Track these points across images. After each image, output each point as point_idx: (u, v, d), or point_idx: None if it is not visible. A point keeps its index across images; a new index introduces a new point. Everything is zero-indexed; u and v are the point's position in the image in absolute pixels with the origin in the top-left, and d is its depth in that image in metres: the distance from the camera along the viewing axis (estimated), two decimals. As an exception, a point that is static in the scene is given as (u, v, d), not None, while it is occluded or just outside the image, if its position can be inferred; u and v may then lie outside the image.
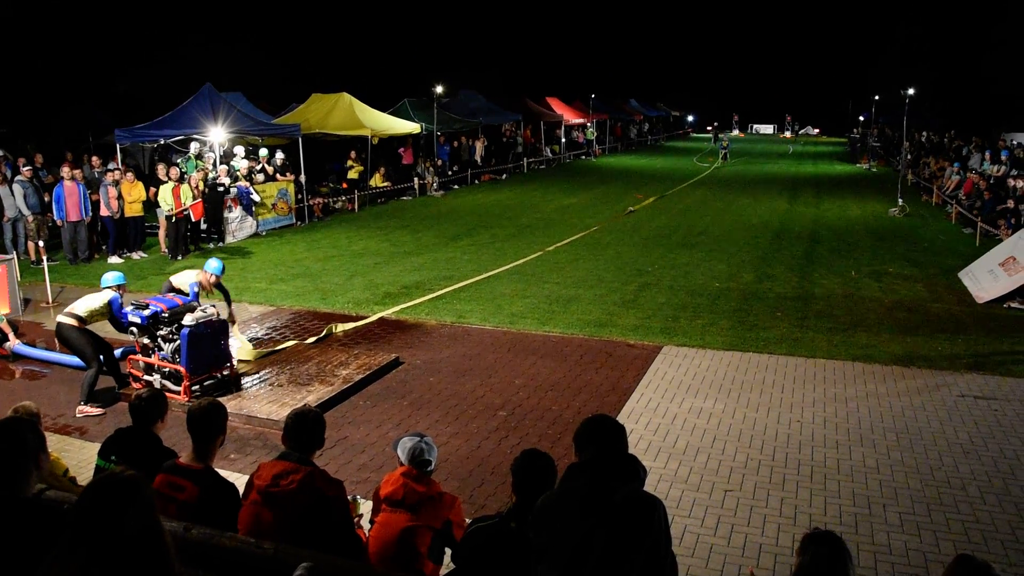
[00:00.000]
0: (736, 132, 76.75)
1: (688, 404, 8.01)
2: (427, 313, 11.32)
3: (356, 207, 22.15)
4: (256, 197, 17.64)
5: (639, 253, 15.82)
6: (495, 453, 6.91)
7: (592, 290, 12.69)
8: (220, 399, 6.30)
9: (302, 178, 19.94)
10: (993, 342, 9.98)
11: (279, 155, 19.68)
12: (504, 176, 31.79)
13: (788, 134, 75.04)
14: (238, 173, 17.74)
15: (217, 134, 17.56)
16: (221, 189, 16.72)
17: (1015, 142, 28.60)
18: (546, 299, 12.12)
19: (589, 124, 44.57)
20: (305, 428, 3.80)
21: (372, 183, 23.92)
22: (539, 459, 3.59)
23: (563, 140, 40.88)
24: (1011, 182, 19.18)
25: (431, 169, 26.55)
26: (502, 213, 21.57)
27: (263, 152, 19.54)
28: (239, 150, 19.01)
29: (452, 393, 8.29)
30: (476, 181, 29.69)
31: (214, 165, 17.80)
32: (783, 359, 9.40)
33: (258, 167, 18.88)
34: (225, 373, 8.20)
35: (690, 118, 79.29)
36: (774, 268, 14.50)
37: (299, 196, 19.74)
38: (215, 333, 8.08)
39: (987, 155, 25.04)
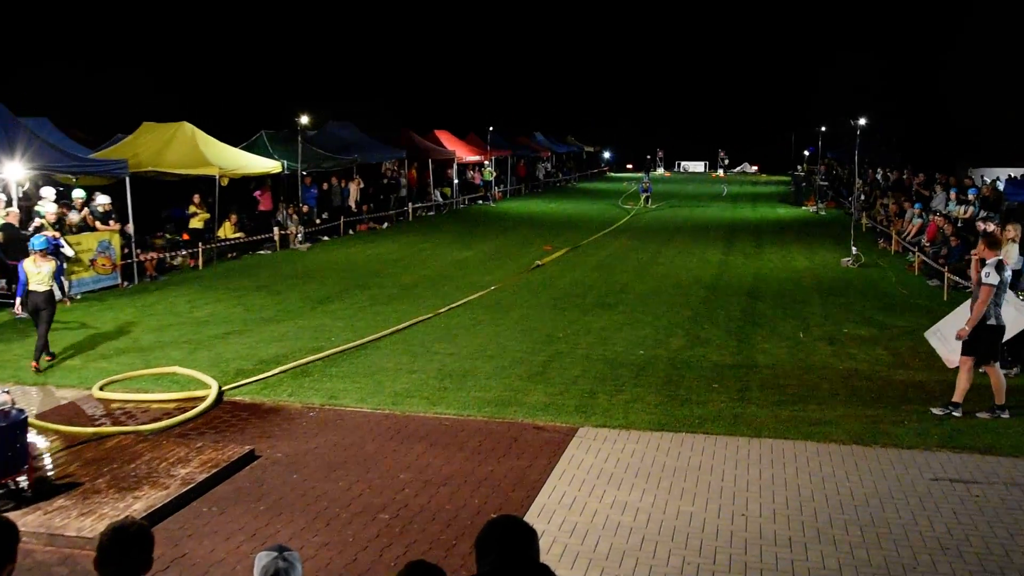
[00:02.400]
0: (661, 170, 79.76)
1: (611, 497, 8.03)
2: (290, 393, 11.12)
3: (200, 263, 21.75)
4: (69, 251, 17.05)
5: (548, 316, 16.04)
6: (375, 567, 6.75)
7: (492, 361, 12.75)
8: (9, 514, 5.95)
9: (130, 227, 19.45)
10: (968, 414, 10.33)
11: (101, 199, 19.16)
12: (385, 225, 31.87)
13: (721, 172, 78.51)
14: (43, 221, 17.14)
15: (13, 170, 16.96)
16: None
17: (985, 178, 30.55)
18: (437, 373, 12.10)
19: (487, 162, 45.46)
20: (125, 547, 3.54)
21: (221, 234, 23.57)
22: (428, 573, 3.54)
23: (456, 181, 41.49)
24: (980, 225, 19.96)
25: (294, 217, 26.37)
26: (383, 270, 21.59)
27: (77, 194, 19.00)
28: (48, 191, 18.40)
29: (321, 493, 8.11)
30: (350, 231, 29.65)
31: (7, 204, 17.17)
32: (722, 440, 9.60)
33: (75, 214, 18.32)
34: (21, 481, 7.76)
35: (607, 155, 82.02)
36: (708, 331, 14.95)
37: (126, 250, 19.25)
38: (5, 430, 7.64)
39: (952, 194, 26.58)
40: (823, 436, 9.66)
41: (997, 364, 10.43)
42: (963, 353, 10.38)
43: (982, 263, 10.37)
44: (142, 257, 19.86)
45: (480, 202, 43.44)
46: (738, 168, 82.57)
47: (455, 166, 41.49)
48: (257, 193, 26.75)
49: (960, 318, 13.20)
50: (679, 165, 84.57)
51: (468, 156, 43.53)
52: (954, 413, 10.26)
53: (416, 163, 38.43)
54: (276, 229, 25.43)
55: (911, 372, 12.31)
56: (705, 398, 11.08)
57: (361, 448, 9.28)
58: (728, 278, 20.73)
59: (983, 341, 10.23)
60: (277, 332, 14.58)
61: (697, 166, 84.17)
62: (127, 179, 19.42)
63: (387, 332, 14.48)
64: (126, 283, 18.96)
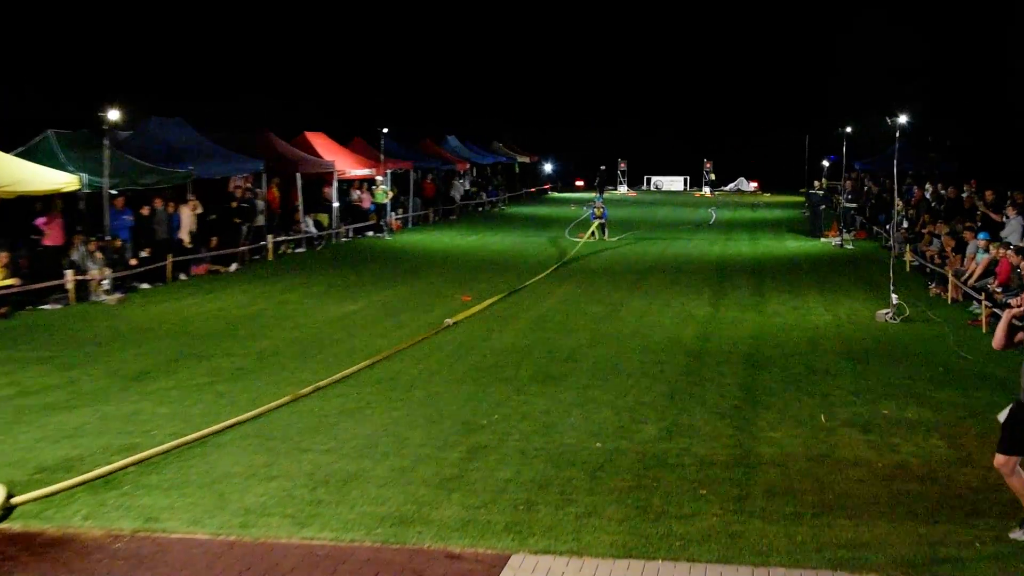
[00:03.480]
0: (623, 189, 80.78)
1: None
2: (86, 516, 10.85)
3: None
4: None
5: (467, 395, 16.01)
6: None
7: (388, 461, 12.61)
8: None
9: None
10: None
11: None
12: (233, 267, 31.68)
13: (707, 191, 79.72)
14: None
15: None
16: None
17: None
18: (308, 480, 11.95)
19: (380, 178, 45.51)
20: None
21: (-12, 281, 23.06)
22: None
23: (336, 205, 41.41)
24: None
25: (98, 255, 25.96)
26: (229, 331, 21.51)
27: None
28: None
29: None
30: (182, 275, 29.45)
31: None
32: (715, 569, 9.57)
33: None
34: None
35: (549, 167, 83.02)
36: (693, 414, 14.97)
37: None
38: None
39: (1031, 220, 26.87)
40: (858, 564, 9.65)
41: None
42: (1002, 450, 10.21)
43: None
44: None
45: (371, 234, 43.54)
46: (731, 185, 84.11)
47: (335, 183, 41.49)
48: (41, 221, 26.22)
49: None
50: (649, 182, 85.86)
51: (353, 169, 43.66)
52: None
53: (279, 179, 38.40)
54: (70, 273, 25.01)
55: (980, 471, 12.34)
56: (689, 510, 11.05)
57: (192, 592, 9.04)
58: (719, 339, 20.91)
59: None
60: (69, 424, 14.25)
61: (674, 183, 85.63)
62: None
63: (235, 421, 14.25)
64: None
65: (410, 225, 49.02)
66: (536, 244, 40.98)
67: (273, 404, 15.21)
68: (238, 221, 33.91)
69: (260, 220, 35.39)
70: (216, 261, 31.34)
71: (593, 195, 57.46)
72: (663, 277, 30.70)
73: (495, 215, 58.41)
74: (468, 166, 62.41)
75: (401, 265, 33.55)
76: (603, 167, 73.81)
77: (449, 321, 22.28)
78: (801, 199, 65.13)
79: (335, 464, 12.52)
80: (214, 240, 31.75)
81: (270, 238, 35.06)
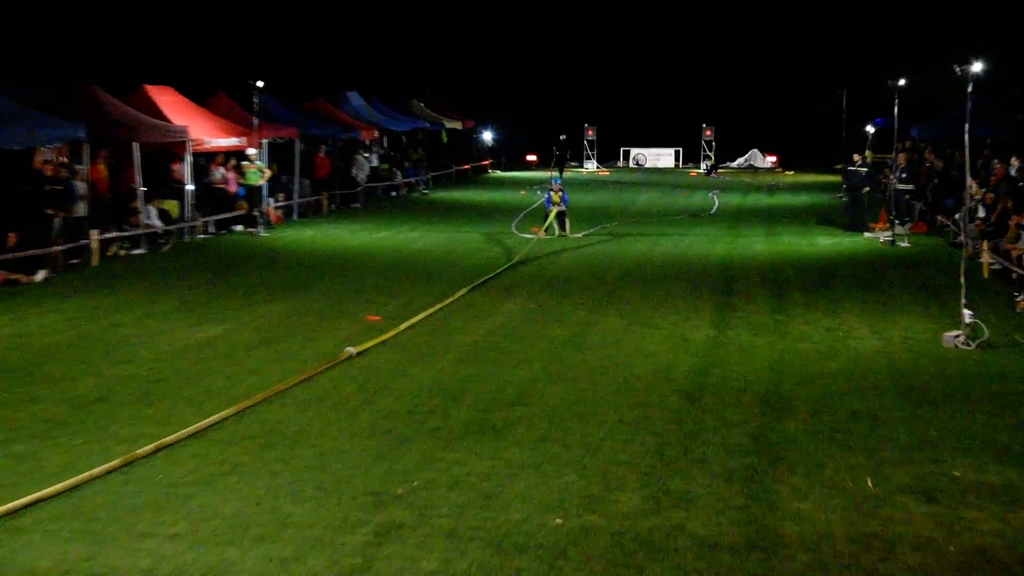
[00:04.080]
0: (591, 166, 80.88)
1: None
2: None
3: None
4: None
5: (375, 453, 15.95)
6: None
7: (261, 548, 12.55)
8: None
9: None
10: None
11: None
12: (41, 275, 31.48)
13: (703, 169, 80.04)
14: None
15: None
16: None
17: None
18: (145, 578, 11.78)
19: (254, 151, 45.16)
20: None
21: None
22: None
23: (190, 188, 41.10)
24: None
25: None
26: (34, 367, 21.36)
27: None
28: None
29: None
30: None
31: None
32: None
33: None
34: None
35: (488, 136, 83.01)
36: (689, 477, 15.00)
37: None
38: None
39: None
40: None
41: None
42: None
43: None
44: None
45: (240, 229, 43.58)
46: (740, 160, 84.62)
47: (188, 158, 41.25)
48: None
49: None
50: (628, 156, 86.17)
51: (215, 138, 43.44)
52: None
53: (108, 151, 38.05)
54: None
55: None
56: (687, 614, 10.98)
57: None
58: (724, 373, 20.94)
59: None
60: None
61: (662, 157, 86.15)
62: None
63: (41, 495, 14.08)
64: None
65: (295, 216, 49.09)
66: (472, 242, 41.22)
67: (97, 470, 15.03)
68: (50, 212, 33.52)
69: (80, 209, 34.90)
70: (15, 267, 30.97)
71: (550, 174, 57.48)
72: (647, 287, 30.90)
73: (415, 202, 58.53)
74: (377, 134, 62.46)
75: (283, 272, 33.60)
76: (564, 136, 74.20)
77: (351, 351, 22.24)
78: (836, 179, 65.43)
79: (186, 555, 12.35)
80: (12, 237, 31.34)
81: (95, 234, 34.74)
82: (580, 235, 42.54)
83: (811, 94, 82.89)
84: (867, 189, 46.73)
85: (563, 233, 42.33)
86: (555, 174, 51.53)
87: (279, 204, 47.48)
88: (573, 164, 78.37)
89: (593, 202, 54.68)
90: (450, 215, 51.49)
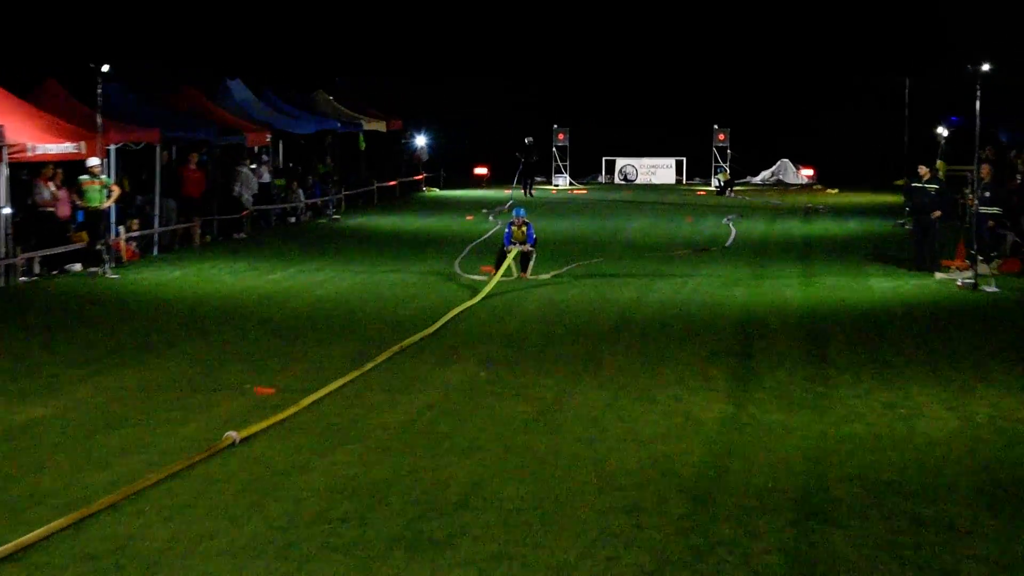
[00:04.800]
0: (562, 181, 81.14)
1: None
2: None
3: None
4: None
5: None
6: None
7: None
8: None
9: None
10: None
11: None
12: None
13: (714, 186, 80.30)
14: None
15: None
16: None
17: None
18: None
19: (97, 160, 44.92)
20: None
21: None
22: None
23: (6, 211, 40.81)
24: None
25: None
26: None
27: None
28: None
29: None
30: None
31: None
32: None
33: None
34: None
35: (421, 142, 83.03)
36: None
37: None
38: None
39: None
40: None
41: None
42: None
43: None
44: None
45: (78, 268, 43.36)
46: (765, 174, 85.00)
47: (2, 170, 41.03)
48: None
49: None
50: (613, 168, 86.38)
51: (42, 143, 43.08)
52: None
53: None
54: None
55: None
56: None
57: None
58: (745, 465, 20.75)
59: None
60: None
61: (658, 170, 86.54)
62: None
63: None
64: None
65: (156, 251, 48.98)
66: (401, 286, 41.28)
67: None
68: None
69: None
70: None
71: (510, 192, 57.23)
72: (640, 347, 30.87)
73: (322, 231, 58.56)
74: (269, 138, 62.37)
75: (139, 328, 33.38)
76: (530, 139, 74.26)
77: (234, 436, 21.89)
78: (897, 199, 65.65)
79: None
80: None
81: None
82: (547, 276, 42.73)
83: (860, 84, 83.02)
84: (939, 213, 46.37)
85: (523, 275, 42.43)
86: (523, 190, 50.79)
87: (133, 234, 47.12)
88: (539, 179, 78.47)
89: (565, 231, 54.76)
90: (371, 249, 51.39)
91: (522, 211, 45.70)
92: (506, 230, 44.97)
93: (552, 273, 43.14)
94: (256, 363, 28.64)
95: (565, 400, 25.24)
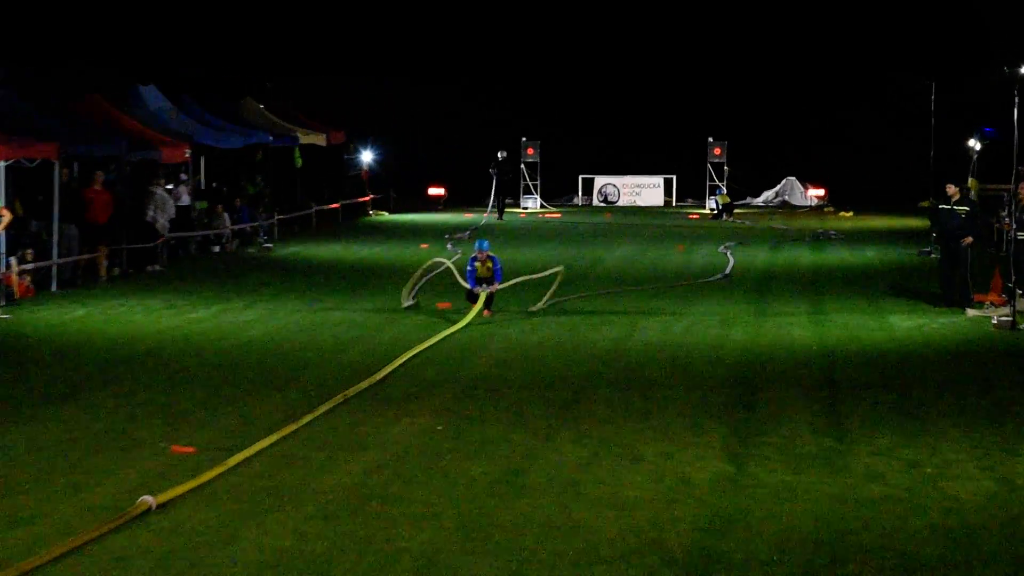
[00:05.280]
0: (532, 203, 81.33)
1: None
2: None
3: None
4: None
5: None
6: None
7: None
8: None
9: None
10: None
11: None
12: None
13: (709, 209, 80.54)
14: None
15: None
16: None
17: None
18: None
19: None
20: None
21: None
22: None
23: None
24: None
25: None
26: None
27: None
28: None
29: None
30: None
31: None
32: None
33: None
34: None
35: (367, 158, 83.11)
36: None
37: None
38: None
39: None
40: None
41: None
42: None
43: None
44: None
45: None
46: (768, 195, 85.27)
47: None
48: None
49: None
50: (590, 188, 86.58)
51: None
52: None
53: None
54: None
55: None
56: None
57: None
58: (746, 535, 20.68)
59: None
60: None
61: (643, 190, 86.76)
62: None
63: None
64: None
65: (55, 287, 48.80)
66: (344, 326, 41.34)
67: None
68: None
69: None
70: None
71: (470, 217, 57.14)
72: (623, 396, 30.78)
73: (252, 261, 58.54)
74: (188, 153, 62.09)
75: (34, 377, 33.26)
76: (503, 153, 74.40)
77: (149, 501, 21.75)
78: (922, 224, 65.68)
79: None
80: None
81: None
82: (542, 304, 42.99)
83: (876, 88, 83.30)
84: (970, 240, 46.47)
85: (486, 312, 42.55)
86: (494, 214, 50.64)
87: (27, 267, 46.90)
88: (507, 200, 78.57)
89: (536, 261, 54.75)
90: (309, 283, 51.34)
91: (486, 243, 45.32)
92: (468, 267, 44.91)
93: (537, 307, 43.58)
94: (174, 417, 28.33)
95: (536, 459, 25.14)
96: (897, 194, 79.26)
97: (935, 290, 45.60)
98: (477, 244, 46.03)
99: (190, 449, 25.50)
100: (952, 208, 46.78)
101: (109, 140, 55.08)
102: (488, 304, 42.49)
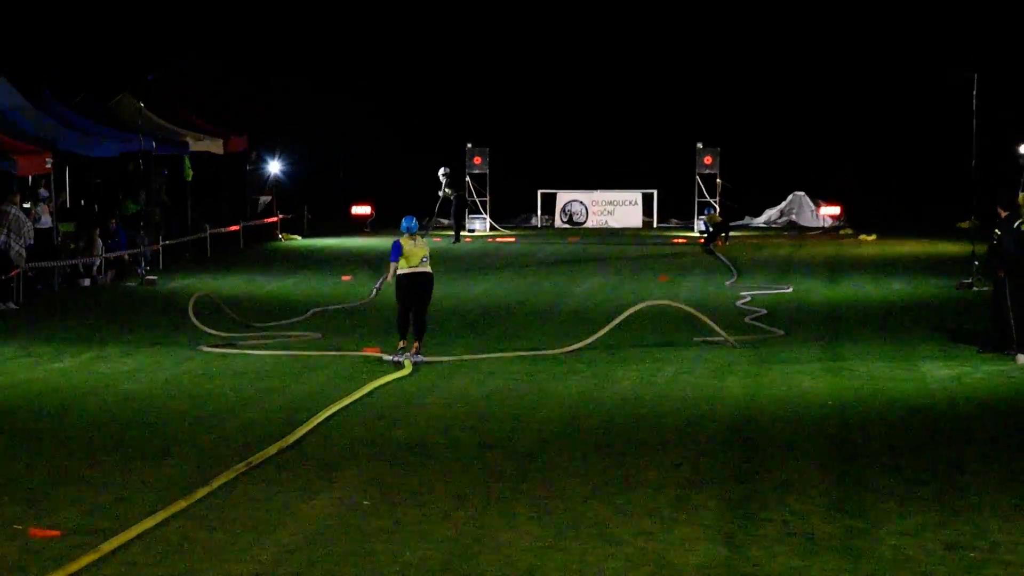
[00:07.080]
0: (479, 225, 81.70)
1: None
2: None
3: None
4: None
5: None
6: None
7: None
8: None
9: None
10: None
11: None
12: None
13: (698, 231, 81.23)
14: None
15: None
16: None
17: None
18: None
19: None
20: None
21: None
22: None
23: None
24: None
25: None
26: None
27: None
28: None
29: None
30: None
31: None
32: None
33: None
34: None
35: (277, 169, 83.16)
36: None
37: None
38: None
39: None
40: None
41: None
42: None
43: None
44: None
45: None
46: (771, 213, 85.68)
47: None
48: None
49: None
50: (560, 208, 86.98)
51: None
52: None
53: None
54: None
55: None
56: None
57: None
58: None
59: None
60: None
61: (617, 208, 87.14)
62: None
63: None
64: None
65: None
66: (249, 377, 41.30)
67: None
68: None
69: None
70: None
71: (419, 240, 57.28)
72: (593, 463, 30.73)
73: (129, 297, 58.38)
74: (50, 163, 61.81)
75: None
76: (446, 169, 74.87)
77: None
78: (963, 250, 65.84)
79: None
80: None
81: None
82: (449, 359, 42.97)
83: (904, 84, 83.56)
84: (1002, 274, 46.31)
85: (416, 345, 42.93)
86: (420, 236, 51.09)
87: None
88: (445, 222, 78.91)
89: (486, 296, 54.80)
90: (203, 323, 50.96)
91: (413, 220, 45.16)
92: (393, 246, 45.05)
93: (450, 358, 43.48)
94: (33, 493, 28.07)
95: (486, 540, 25.03)
96: (930, 213, 79.33)
97: (981, 331, 45.54)
98: (404, 223, 45.55)
99: (53, 532, 25.22)
100: (1005, 232, 45.67)
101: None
102: (419, 332, 42.43)
